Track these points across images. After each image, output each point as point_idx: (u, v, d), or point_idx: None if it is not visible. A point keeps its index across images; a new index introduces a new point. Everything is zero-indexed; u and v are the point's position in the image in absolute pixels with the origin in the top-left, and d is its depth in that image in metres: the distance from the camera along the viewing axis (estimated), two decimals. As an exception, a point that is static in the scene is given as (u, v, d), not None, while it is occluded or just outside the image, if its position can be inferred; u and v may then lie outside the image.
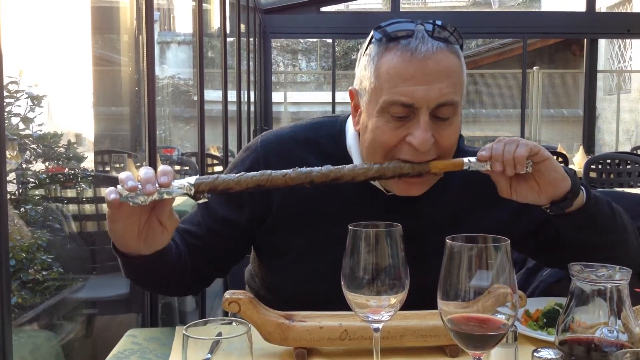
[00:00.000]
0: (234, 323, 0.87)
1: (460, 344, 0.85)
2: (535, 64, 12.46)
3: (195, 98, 3.85)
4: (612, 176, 5.49)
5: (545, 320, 1.25)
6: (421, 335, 1.12)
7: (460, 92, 1.20)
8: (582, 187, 1.21)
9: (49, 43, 3.12)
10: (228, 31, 5.01)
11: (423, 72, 1.14)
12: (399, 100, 1.15)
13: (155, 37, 3.00)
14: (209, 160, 5.69)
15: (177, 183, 1.07)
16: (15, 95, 2.63)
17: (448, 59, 1.17)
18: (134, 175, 1.07)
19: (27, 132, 2.76)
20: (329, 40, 12.27)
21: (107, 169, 4.25)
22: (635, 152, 7.71)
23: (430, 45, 1.15)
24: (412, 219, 1.12)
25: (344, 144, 1.34)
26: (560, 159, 6.03)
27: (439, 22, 1.18)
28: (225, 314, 1.35)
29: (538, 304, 1.31)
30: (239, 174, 1.09)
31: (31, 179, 2.77)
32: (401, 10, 9.14)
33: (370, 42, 1.22)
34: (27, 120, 2.72)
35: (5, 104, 2.00)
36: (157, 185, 1.05)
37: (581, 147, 7.42)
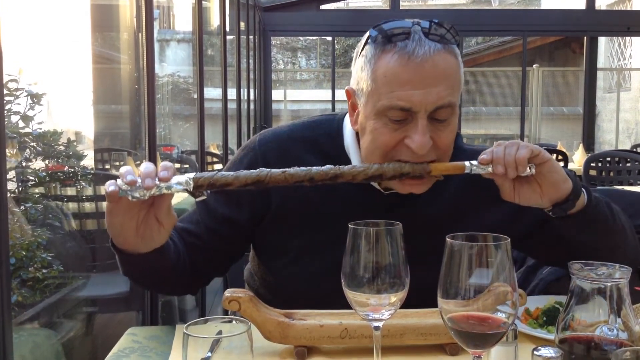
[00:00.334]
0: (234, 321, 0.87)
1: (460, 342, 0.85)
2: (535, 61, 12.46)
3: (195, 96, 3.84)
4: (611, 174, 5.49)
5: (545, 318, 1.25)
6: (421, 333, 1.12)
7: (457, 93, 1.20)
8: (583, 189, 1.21)
9: (49, 41, 3.12)
10: (228, 29, 5.01)
11: (421, 76, 1.14)
12: (397, 105, 1.15)
13: (155, 34, 3.00)
14: (209, 158, 5.69)
15: (176, 179, 1.07)
16: (15, 93, 2.63)
17: (445, 61, 1.16)
18: (134, 170, 1.07)
19: (27, 130, 2.76)
20: (329, 38, 12.26)
21: (107, 167, 4.25)
22: (635, 150, 7.72)
23: (428, 48, 1.14)
24: (411, 218, 1.12)
25: (341, 143, 1.34)
26: (560, 157, 6.04)
27: (435, 20, 1.17)
28: (226, 312, 1.35)
29: (538, 302, 1.31)
30: (237, 171, 1.10)
31: (31, 177, 2.77)
32: (401, 8, 9.12)
33: (366, 43, 1.21)
34: (26, 118, 2.72)
35: (5, 102, 2.00)
36: (156, 180, 1.05)
37: (581, 145, 7.42)
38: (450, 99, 1.16)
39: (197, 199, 1.09)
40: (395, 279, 0.90)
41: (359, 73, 1.22)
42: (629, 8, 11.52)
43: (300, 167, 1.10)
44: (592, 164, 5.53)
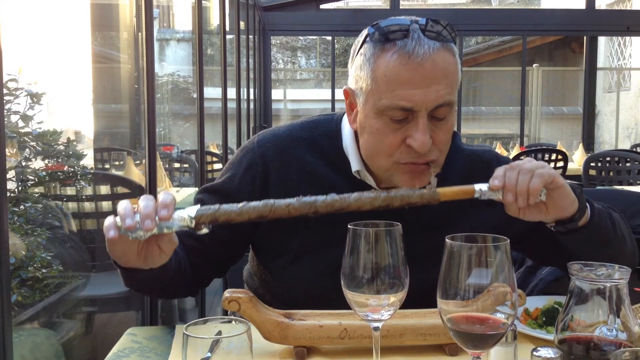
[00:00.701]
0: (233, 322, 0.87)
1: (459, 343, 0.85)
2: (534, 61, 12.46)
3: (195, 95, 3.84)
4: (611, 174, 5.50)
5: (544, 318, 1.25)
6: (421, 334, 1.12)
7: (456, 91, 1.20)
8: (587, 205, 1.20)
9: (49, 41, 3.12)
10: (227, 28, 5.01)
11: (421, 75, 1.14)
12: (398, 105, 1.15)
13: (155, 34, 3.00)
14: (209, 158, 5.69)
15: (177, 215, 1.05)
16: (14, 92, 2.63)
17: (444, 59, 1.16)
18: (132, 205, 1.05)
19: (27, 129, 2.76)
20: (329, 38, 12.27)
21: (107, 166, 4.26)
22: (634, 149, 7.73)
23: (427, 47, 1.14)
24: (410, 218, 1.11)
25: (340, 143, 1.34)
26: (559, 157, 6.04)
27: (432, 18, 1.17)
28: (225, 312, 1.36)
29: (537, 303, 1.31)
30: (241, 205, 1.06)
31: (31, 177, 2.77)
32: (400, 7, 9.14)
33: (364, 41, 1.21)
34: (26, 118, 2.72)
35: (4, 101, 2.00)
36: (156, 219, 1.03)
37: (581, 144, 7.43)
38: (449, 97, 1.17)
39: (199, 232, 1.07)
40: (394, 280, 0.90)
41: (358, 72, 1.22)
42: (628, 8, 11.52)
43: (305, 198, 1.07)
44: (592, 164, 5.54)
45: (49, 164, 2.94)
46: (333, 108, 9.55)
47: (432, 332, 1.12)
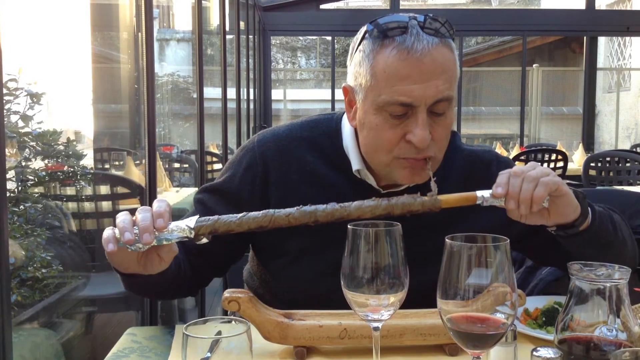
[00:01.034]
0: (233, 322, 0.87)
1: (459, 343, 0.85)
2: (534, 61, 12.47)
3: (195, 95, 3.84)
4: (611, 174, 5.50)
5: (544, 319, 1.25)
6: (420, 334, 1.12)
7: (454, 86, 1.20)
8: (589, 209, 1.20)
9: (48, 41, 3.12)
10: (227, 28, 5.01)
11: (420, 70, 1.14)
12: (398, 100, 1.15)
13: (155, 34, 3.00)
14: (209, 158, 5.69)
15: (176, 226, 1.04)
16: (14, 92, 2.63)
17: (443, 55, 1.17)
18: (131, 217, 1.05)
19: (27, 129, 2.76)
20: (329, 38, 12.27)
21: (107, 166, 4.26)
22: (634, 150, 7.73)
23: (426, 42, 1.15)
24: (409, 218, 1.11)
25: (340, 142, 1.34)
26: (559, 157, 6.04)
27: (430, 15, 1.18)
28: (225, 312, 1.36)
29: (537, 303, 1.31)
30: (240, 215, 1.06)
31: (30, 177, 2.77)
32: (400, 7, 9.14)
33: (363, 38, 1.21)
34: (26, 118, 2.72)
35: (4, 101, 2.00)
36: (155, 233, 1.03)
37: (581, 144, 7.43)
38: (448, 93, 1.17)
39: (198, 242, 1.07)
40: (394, 280, 0.90)
41: (357, 68, 1.22)
42: (628, 8, 11.52)
43: (305, 208, 1.06)
44: (592, 164, 5.54)
45: (49, 164, 2.94)
46: (333, 108, 9.55)
47: (432, 332, 1.12)
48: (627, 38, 11.78)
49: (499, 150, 7.22)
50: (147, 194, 2.26)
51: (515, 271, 1.64)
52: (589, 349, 0.89)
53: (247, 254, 1.52)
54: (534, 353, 0.86)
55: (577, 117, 11.08)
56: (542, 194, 1.08)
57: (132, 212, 1.09)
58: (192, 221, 1.05)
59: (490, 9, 13.61)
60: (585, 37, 10.06)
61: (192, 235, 1.05)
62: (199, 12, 3.68)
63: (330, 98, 9.70)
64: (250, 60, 7.03)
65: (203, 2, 3.86)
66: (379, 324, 0.93)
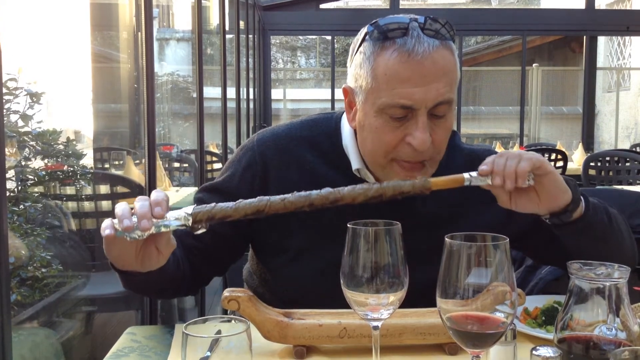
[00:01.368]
0: (233, 321, 0.87)
1: (459, 342, 0.85)
2: (534, 61, 12.47)
3: (195, 95, 3.84)
4: (611, 174, 5.50)
5: (544, 318, 1.25)
6: (420, 333, 1.12)
7: (455, 88, 1.21)
8: (581, 197, 1.21)
9: (48, 40, 3.12)
10: (227, 28, 5.01)
11: (420, 73, 1.14)
12: (398, 103, 1.15)
13: (154, 34, 3.00)
14: (208, 158, 5.69)
15: (174, 214, 1.05)
16: (14, 92, 2.63)
17: (444, 58, 1.17)
18: (130, 206, 1.05)
19: (26, 129, 2.76)
20: (328, 37, 12.27)
21: (107, 166, 4.26)
22: (634, 149, 7.73)
23: (427, 45, 1.15)
24: (408, 217, 1.12)
25: (340, 142, 1.34)
26: (559, 157, 6.04)
27: (430, 16, 1.18)
28: (225, 311, 1.36)
29: (537, 302, 1.31)
30: (237, 202, 1.07)
31: (30, 176, 2.77)
32: (400, 7, 9.14)
33: (363, 40, 1.21)
34: (26, 118, 2.72)
35: (4, 101, 2.00)
36: (153, 220, 1.03)
37: (580, 144, 7.43)
38: (449, 95, 1.17)
39: (196, 232, 1.07)
40: (394, 279, 0.90)
41: (357, 70, 1.22)
42: (628, 7, 11.52)
43: (300, 193, 1.08)
44: (592, 164, 5.54)
45: (49, 164, 2.94)
46: (333, 108, 9.54)
47: (431, 332, 1.12)
48: (627, 38, 11.78)
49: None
50: (147, 194, 2.26)
51: (515, 270, 1.65)
52: (589, 348, 0.89)
53: (246, 253, 1.52)
54: (534, 352, 0.86)
55: (576, 117, 11.09)
56: (525, 167, 1.10)
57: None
58: (189, 209, 1.06)
59: (490, 8, 13.61)
60: (585, 37, 10.06)
61: (189, 223, 1.05)
62: (199, 11, 3.68)
63: (330, 98, 9.70)
64: (250, 60, 7.03)
65: (203, 1, 3.86)
66: (379, 323, 0.93)
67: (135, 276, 1.15)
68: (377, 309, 0.91)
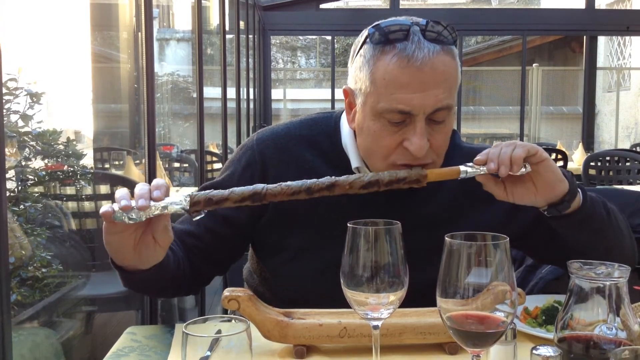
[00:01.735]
0: (233, 320, 0.87)
1: (459, 341, 0.85)
2: (534, 61, 12.46)
3: (195, 95, 3.84)
4: (611, 173, 5.49)
5: (544, 317, 1.25)
6: (420, 332, 1.12)
7: (455, 94, 1.20)
8: (578, 189, 1.21)
9: (48, 40, 3.12)
10: (227, 28, 5.00)
11: (420, 79, 1.14)
12: (396, 108, 1.15)
13: (155, 34, 3.00)
14: (208, 158, 5.69)
15: (172, 198, 1.05)
16: (14, 92, 2.63)
17: (444, 63, 1.16)
18: (129, 191, 1.06)
19: (26, 129, 2.76)
20: (329, 37, 12.27)
21: (107, 166, 4.25)
22: (634, 149, 7.72)
23: (427, 51, 1.14)
24: (408, 216, 1.12)
25: (339, 141, 1.34)
26: (559, 157, 6.04)
27: (432, 20, 1.17)
28: (225, 311, 1.36)
29: (537, 302, 1.31)
30: (234, 188, 1.08)
31: (30, 176, 2.77)
32: (400, 7, 9.12)
33: (364, 42, 1.21)
34: (26, 118, 2.72)
35: (4, 101, 2.00)
36: (151, 202, 1.04)
37: (580, 144, 7.42)
38: (448, 102, 1.17)
39: (194, 218, 1.08)
40: (394, 278, 0.90)
41: (357, 73, 1.22)
42: (628, 7, 11.52)
43: (296, 182, 1.09)
44: (592, 164, 5.54)
45: (49, 164, 2.94)
46: (333, 108, 9.50)
47: (431, 331, 1.12)
48: (627, 37, 11.77)
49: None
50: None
51: (515, 270, 1.65)
52: (589, 348, 0.89)
53: (247, 253, 1.52)
54: (534, 352, 0.86)
55: (577, 117, 11.08)
56: (520, 153, 1.11)
57: None
58: (187, 193, 1.06)
59: (490, 8, 13.61)
60: (585, 37, 10.05)
61: (187, 206, 1.05)
62: (199, 11, 3.68)
63: (330, 98, 9.70)
64: (250, 60, 7.03)
65: (203, 1, 3.86)
66: (379, 323, 0.93)
67: (135, 274, 1.15)
68: (377, 309, 0.91)
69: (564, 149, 6.41)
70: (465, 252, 0.82)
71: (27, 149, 2.82)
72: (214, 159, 5.85)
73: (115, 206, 1.03)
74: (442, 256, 0.85)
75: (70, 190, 3.07)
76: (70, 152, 3.03)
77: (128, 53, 4.21)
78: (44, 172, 2.82)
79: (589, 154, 6.28)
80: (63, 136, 3.01)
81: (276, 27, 9.40)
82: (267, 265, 1.40)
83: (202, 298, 3.35)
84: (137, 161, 3.93)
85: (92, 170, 3.28)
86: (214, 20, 6.25)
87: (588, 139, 9.62)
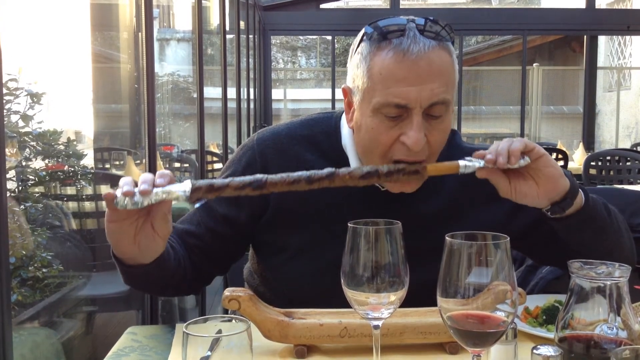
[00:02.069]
0: (233, 320, 0.87)
1: (459, 341, 0.85)
2: (535, 60, 12.46)
3: (195, 95, 3.84)
4: (611, 173, 5.49)
5: (544, 317, 1.25)
6: (421, 332, 1.12)
7: (452, 90, 1.20)
8: (579, 189, 1.21)
9: (49, 40, 3.12)
10: (227, 28, 5.01)
11: (415, 73, 1.14)
12: (392, 102, 1.16)
13: (155, 34, 3.00)
14: (209, 158, 5.69)
15: (174, 186, 1.06)
16: (14, 92, 2.63)
17: (440, 58, 1.17)
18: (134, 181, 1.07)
19: (27, 129, 2.76)
20: (329, 37, 12.26)
21: (107, 166, 4.25)
22: (635, 149, 7.72)
23: (422, 45, 1.15)
24: (409, 216, 1.12)
25: (339, 141, 1.34)
26: (560, 156, 6.04)
27: (430, 18, 1.18)
28: (225, 311, 1.36)
29: (538, 301, 1.31)
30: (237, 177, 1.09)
31: (31, 177, 2.77)
32: (400, 7, 9.12)
33: (362, 40, 1.22)
34: (26, 118, 2.72)
35: (4, 101, 2.00)
36: (153, 188, 1.04)
37: (581, 144, 7.41)
38: (444, 96, 1.17)
39: (195, 204, 1.08)
40: (394, 278, 0.90)
41: (355, 70, 1.23)
42: (629, 7, 11.52)
43: (297, 173, 1.10)
44: (592, 163, 5.54)
45: (49, 164, 2.95)
46: (333, 108, 9.53)
47: (432, 331, 1.12)
48: (628, 37, 11.77)
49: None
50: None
51: (516, 270, 1.65)
52: (590, 347, 0.89)
53: (247, 253, 1.52)
54: (535, 351, 0.86)
55: (577, 116, 11.08)
56: (518, 147, 1.12)
57: None
58: (188, 182, 1.07)
59: (490, 8, 13.60)
60: (585, 36, 10.04)
61: (189, 192, 1.05)
62: (199, 11, 3.68)
63: (330, 98, 9.69)
64: (251, 60, 7.03)
65: (203, 1, 3.86)
66: (379, 323, 0.93)
67: (135, 268, 1.15)
68: (378, 308, 0.91)
69: (564, 149, 6.41)
70: (466, 251, 0.82)
71: (27, 149, 2.83)
72: (215, 159, 5.85)
73: (119, 192, 1.03)
74: (443, 256, 0.84)
75: (70, 191, 3.07)
76: (70, 152, 3.04)
77: (128, 53, 4.21)
78: (44, 172, 2.82)
79: (589, 153, 6.28)
80: (63, 136, 3.01)
81: (276, 27, 9.39)
82: (267, 265, 1.40)
83: (202, 298, 3.36)
84: (138, 161, 3.93)
85: (92, 171, 3.28)
86: (214, 20, 6.24)
87: (588, 139, 9.61)
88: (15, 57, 2.59)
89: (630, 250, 1.33)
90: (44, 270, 2.36)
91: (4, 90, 2.05)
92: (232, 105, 5.22)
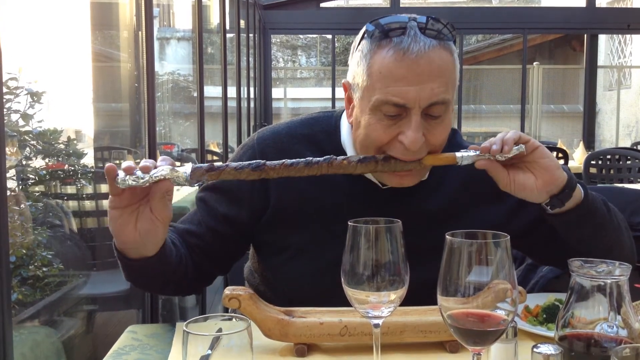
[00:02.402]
0: (234, 319, 0.87)
1: (460, 339, 0.85)
2: (535, 59, 12.45)
3: (195, 94, 3.84)
4: (612, 172, 5.49)
5: (545, 316, 1.25)
6: (421, 331, 1.12)
7: (452, 90, 1.20)
8: (578, 183, 1.22)
9: (49, 39, 3.12)
10: (227, 27, 5.00)
11: (415, 72, 1.14)
12: (391, 100, 1.15)
13: (155, 33, 2.99)
14: (209, 157, 5.69)
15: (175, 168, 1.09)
16: (14, 91, 2.63)
17: (440, 57, 1.16)
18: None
19: (27, 128, 2.76)
20: (329, 36, 12.25)
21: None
22: (635, 147, 7.71)
23: (423, 44, 1.14)
24: (409, 214, 1.12)
25: (339, 140, 1.34)
26: (560, 155, 6.04)
27: (432, 16, 1.18)
28: (226, 310, 1.36)
29: (538, 300, 1.31)
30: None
31: (31, 176, 2.77)
32: (401, 5, 9.11)
33: (363, 37, 1.22)
34: (26, 117, 2.72)
35: (5, 100, 2.00)
36: (153, 166, 1.08)
37: (581, 142, 7.41)
38: (444, 96, 1.17)
39: (194, 185, 1.10)
40: (394, 277, 0.90)
41: (355, 68, 1.23)
42: (629, 5, 11.51)
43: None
44: (593, 162, 5.54)
45: (50, 163, 2.95)
46: (333, 106, 9.53)
47: (432, 329, 1.12)
48: (628, 36, 11.77)
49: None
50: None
51: (516, 268, 1.65)
52: (590, 346, 0.89)
53: (248, 252, 1.52)
54: (535, 350, 0.86)
55: (577, 115, 11.08)
56: (512, 136, 1.15)
57: None
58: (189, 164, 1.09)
59: (491, 6, 13.60)
60: (585, 35, 10.03)
61: (189, 172, 1.07)
62: (199, 10, 3.68)
63: (330, 96, 9.69)
64: (251, 59, 7.03)
65: (203, 0, 3.86)
66: (380, 321, 0.93)
67: (137, 261, 1.15)
68: (378, 307, 0.91)
69: (564, 148, 6.40)
70: (466, 250, 0.82)
71: (27, 148, 2.82)
72: (215, 157, 5.85)
73: (121, 173, 1.04)
74: (443, 254, 0.84)
75: (71, 190, 3.07)
76: (70, 151, 3.04)
77: (128, 52, 4.20)
78: (44, 172, 2.82)
79: (589, 152, 6.28)
80: (64, 135, 3.01)
81: (277, 26, 9.39)
82: (267, 264, 1.41)
83: (202, 297, 3.36)
84: (138, 160, 3.92)
85: (92, 170, 3.28)
86: (214, 19, 6.24)
87: (589, 138, 9.61)
88: (16, 56, 2.58)
89: (630, 248, 1.33)
90: (44, 269, 2.36)
91: (4, 89, 2.06)
92: (232, 104, 5.22)
